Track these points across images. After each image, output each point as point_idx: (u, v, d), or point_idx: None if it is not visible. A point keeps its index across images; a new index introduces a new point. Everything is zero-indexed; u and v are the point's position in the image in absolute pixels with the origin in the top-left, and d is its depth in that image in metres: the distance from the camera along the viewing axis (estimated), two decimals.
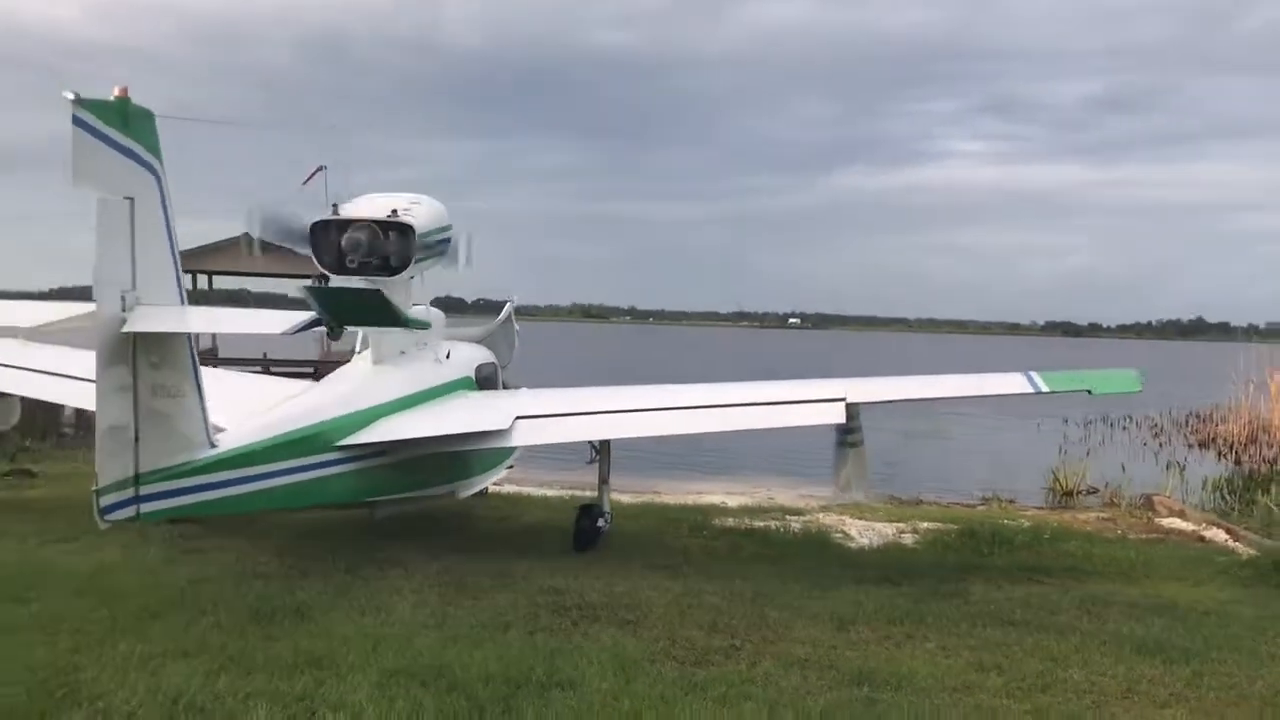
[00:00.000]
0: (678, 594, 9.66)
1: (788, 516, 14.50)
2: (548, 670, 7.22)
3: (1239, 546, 12.95)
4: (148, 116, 8.71)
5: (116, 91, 8.53)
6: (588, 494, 15.86)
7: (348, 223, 11.73)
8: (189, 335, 8.90)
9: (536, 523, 13.17)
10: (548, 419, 11.97)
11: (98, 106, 8.36)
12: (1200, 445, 30.03)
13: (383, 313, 10.65)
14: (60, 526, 11.55)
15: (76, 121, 8.22)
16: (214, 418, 9.41)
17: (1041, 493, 20.73)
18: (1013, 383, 11.79)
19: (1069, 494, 20.41)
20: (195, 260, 45.26)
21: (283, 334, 9.02)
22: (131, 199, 8.61)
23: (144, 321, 8.61)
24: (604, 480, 12.72)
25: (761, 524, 13.75)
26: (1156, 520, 16.19)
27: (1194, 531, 14.65)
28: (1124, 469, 20.96)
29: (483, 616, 8.67)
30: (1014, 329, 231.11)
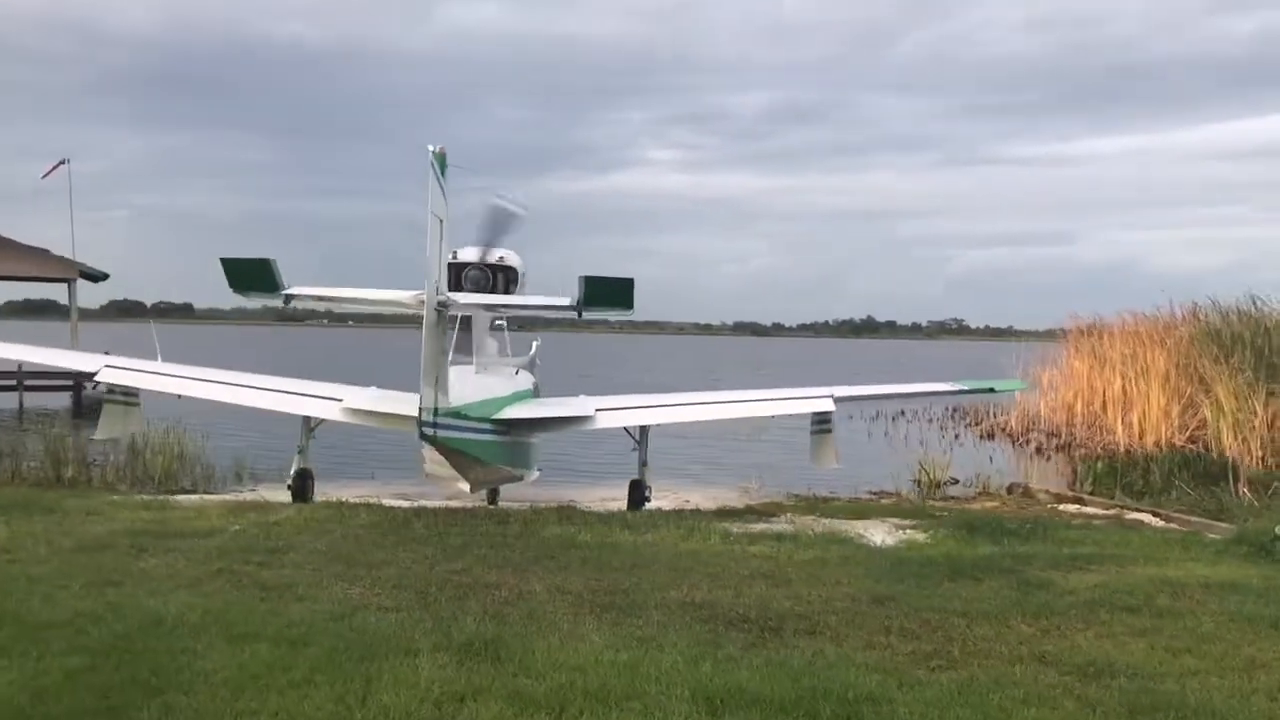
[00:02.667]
0: (813, 602, 9.68)
1: (770, 519, 14.76)
2: (840, 684, 7.13)
3: (1198, 529, 14.36)
4: (448, 165, 13.09)
5: (439, 148, 12.82)
6: (541, 503, 16.09)
7: (465, 264, 15.86)
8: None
9: (556, 536, 12.71)
10: (617, 410, 16.38)
11: (438, 156, 12.76)
12: (987, 436, 32.71)
13: (628, 298, 13.79)
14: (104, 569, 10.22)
15: (430, 166, 12.63)
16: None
17: (908, 485, 22.00)
18: (942, 385, 19.00)
19: (936, 485, 21.76)
20: None
21: (566, 308, 14.17)
22: (441, 220, 12.99)
23: (464, 302, 14.36)
24: (644, 462, 16.76)
25: (761, 527, 13.93)
26: (1057, 507, 17.65)
27: (1114, 515, 16.09)
28: (991, 460, 22.62)
29: (680, 636, 8.39)
30: (707, 329, 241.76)
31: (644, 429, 16.44)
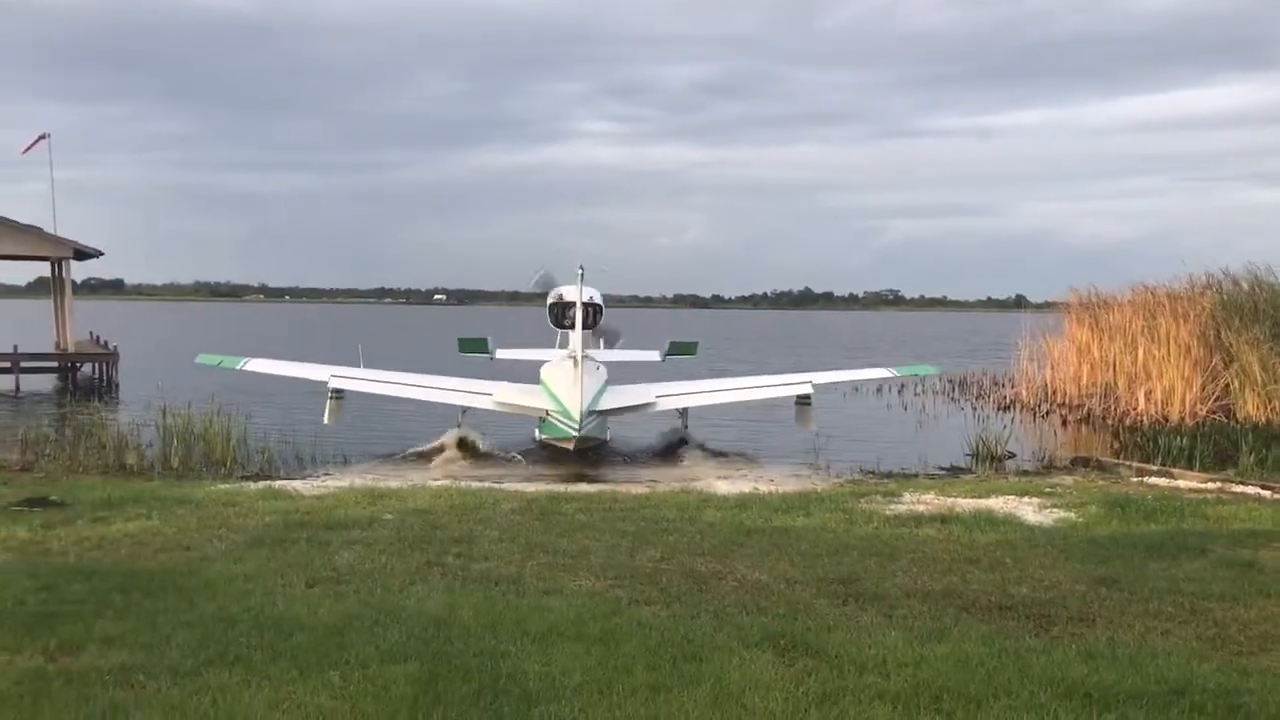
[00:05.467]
0: (1047, 586, 9.57)
1: (896, 499, 14.67)
2: (1193, 675, 7.00)
3: None
4: (583, 273, 22.13)
5: (580, 269, 22.10)
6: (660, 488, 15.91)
7: (570, 303, 22.76)
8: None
9: (722, 521, 12.52)
10: (669, 396, 23.15)
11: (583, 269, 22.12)
12: (1004, 408, 32.92)
13: (694, 350, 27.53)
14: (306, 565, 9.82)
15: (580, 275, 22.07)
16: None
17: (966, 460, 22.10)
18: (883, 372, 28.13)
19: (996, 459, 21.88)
20: None
21: (659, 360, 26.47)
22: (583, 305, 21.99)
23: (600, 357, 23.83)
24: (685, 425, 24.48)
25: (904, 509, 13.83)
26: (1145, 480, 17.75)
27: (1220, 489, 16.17)
28: (1055, 435, 22.74)
29: (963, 627, 8.21)
30: (648, 302, 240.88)
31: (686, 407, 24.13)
